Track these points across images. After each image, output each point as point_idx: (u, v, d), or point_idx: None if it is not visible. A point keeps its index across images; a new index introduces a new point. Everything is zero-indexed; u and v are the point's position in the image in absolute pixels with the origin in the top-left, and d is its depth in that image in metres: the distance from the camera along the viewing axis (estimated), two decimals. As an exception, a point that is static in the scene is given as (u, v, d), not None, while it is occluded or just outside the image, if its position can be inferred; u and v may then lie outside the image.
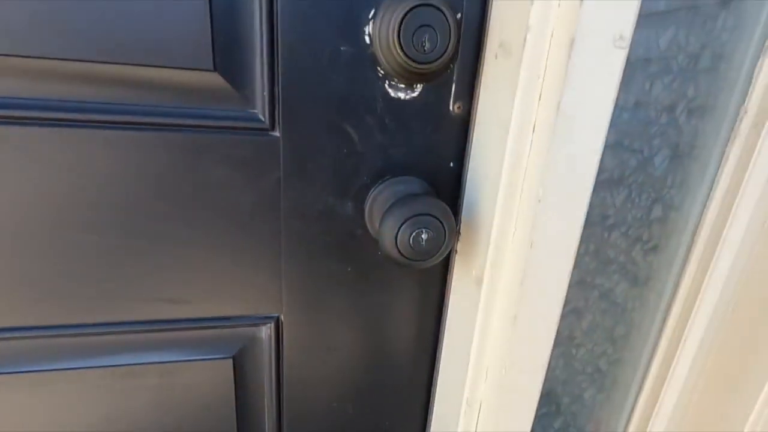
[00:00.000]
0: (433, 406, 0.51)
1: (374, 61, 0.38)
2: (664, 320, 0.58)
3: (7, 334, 0.41)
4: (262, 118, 0.38)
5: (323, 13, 0.36)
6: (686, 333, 0.56)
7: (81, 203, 0.38)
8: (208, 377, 0.47)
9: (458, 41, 0.37)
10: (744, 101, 0.46)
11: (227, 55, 0.36)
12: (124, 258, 0.41)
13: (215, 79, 0.36)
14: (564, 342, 0.58)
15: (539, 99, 0.33)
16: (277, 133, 0.39)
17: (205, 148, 0.38)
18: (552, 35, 0.31)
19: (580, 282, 0.55)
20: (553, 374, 0.60)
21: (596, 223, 0.52)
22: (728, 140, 0.48)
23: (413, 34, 0.35)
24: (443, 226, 0.37)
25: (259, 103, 0.38)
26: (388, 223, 0.37)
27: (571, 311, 0.56)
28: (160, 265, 0.42)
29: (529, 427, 0.45)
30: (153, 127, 0.37)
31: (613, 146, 0.48)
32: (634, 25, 0.30)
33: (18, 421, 0.45)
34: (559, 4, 0.30)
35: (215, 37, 0.35)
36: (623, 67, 0.31)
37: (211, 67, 0.36)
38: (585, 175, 0.33)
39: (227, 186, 0.40)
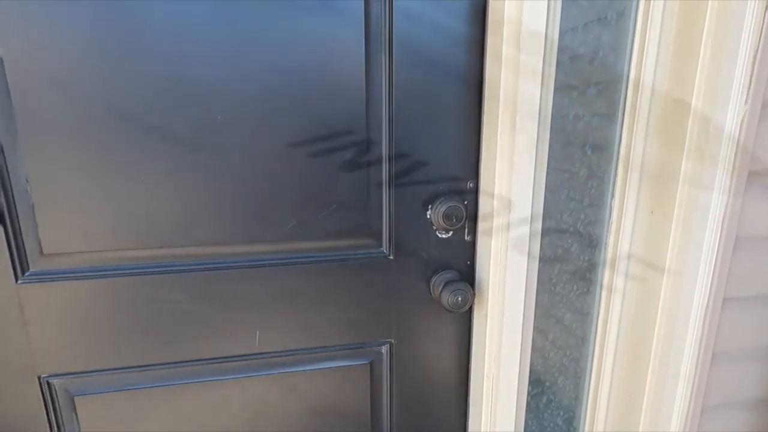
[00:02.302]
0: (470, 380, 0.98)
1: (431, 225, 0.89)
2: (596, 332, 1.05)
3: (273, 355, 0.91)
4: (386, 252, 0.90)
5: (412, 210, 0.88)
6: (607, 337, 1.03)
7: (317, 313, 0.89)
8: (357, 374, 0.96)
9: (467, 215, 0.89)
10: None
11: (374, 232, 0.88)
12: (322, 320, 0.91)
13: (372, 242, 0.88)
14: (540, 349, 1.05)
15: (501, 238, 0.83)
16: (392, 257, 0.90)
17: (362, 266, 0.90)
18: (501, 226, 0.82)
19: (544, 313, 1.03)
20: (537, 369, 1.06)
21: (546, 282, 1.00)
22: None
23: (449, 216, 0.86)
24: (468, 293, 0.87)
25: (385, 247, 0.90)
26: (444, 293, 0.87)
27: (541, 330, 1.03)
28: (339, 317, 0.92)
29: (517, 390, 0.92)
30: (333, 261, 0.89)
31: (550, 240, 0.98)
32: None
33: (263, 400, 0.94)
34: (501, 222, 0.81)
35: (371, 226, 0.87)
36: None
37: (371, 240, 0.88)
38: (522, 273, 0.83)
39: (370, 282, 0.91)
